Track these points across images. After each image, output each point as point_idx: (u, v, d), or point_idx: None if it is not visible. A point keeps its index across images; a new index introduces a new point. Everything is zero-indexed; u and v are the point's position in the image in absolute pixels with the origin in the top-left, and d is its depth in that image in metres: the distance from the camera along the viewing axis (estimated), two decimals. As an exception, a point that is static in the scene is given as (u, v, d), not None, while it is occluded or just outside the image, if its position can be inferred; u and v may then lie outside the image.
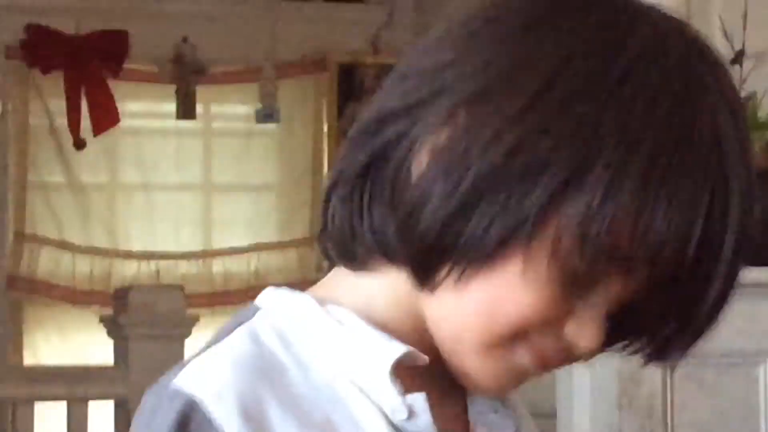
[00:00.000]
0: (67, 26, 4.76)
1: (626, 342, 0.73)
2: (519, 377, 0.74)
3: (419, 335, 0.73)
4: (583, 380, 2.88)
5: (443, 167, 0.68)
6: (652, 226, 0.67)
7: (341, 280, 0.75)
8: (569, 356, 0.72)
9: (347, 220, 0.73)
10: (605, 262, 0.68)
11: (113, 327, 4.02)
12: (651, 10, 0.72)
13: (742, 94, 3.21)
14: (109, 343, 4.12)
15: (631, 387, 2.73)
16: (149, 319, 3.87)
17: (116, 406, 3.66)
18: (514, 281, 0.70)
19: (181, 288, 4.18)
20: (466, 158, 0.68)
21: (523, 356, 0.72)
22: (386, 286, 0.74)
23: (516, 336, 0.71)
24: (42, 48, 4.76)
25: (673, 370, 2.61)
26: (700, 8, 3.14)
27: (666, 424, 2.72)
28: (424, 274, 0.71)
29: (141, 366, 3.58)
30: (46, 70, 4.73)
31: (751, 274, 2.17)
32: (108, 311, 4.24)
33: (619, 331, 0.73)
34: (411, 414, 0.72)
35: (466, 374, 0.74)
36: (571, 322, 0.71)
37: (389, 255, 0.72)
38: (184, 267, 4.97)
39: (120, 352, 4.00)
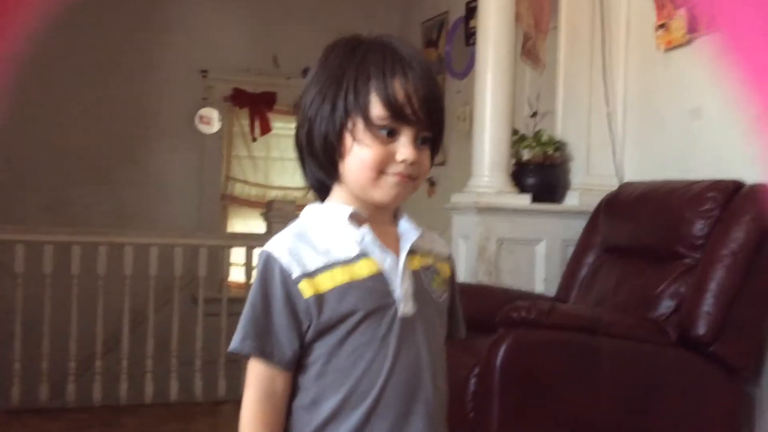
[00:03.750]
0: (249, 86, 6.20)
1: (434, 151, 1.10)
2: (399, 188, 1.07)
3: (362, 205, 1.10)
4: (462, 248, 3.35)
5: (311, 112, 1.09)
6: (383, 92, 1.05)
7: (332, 194, 1.14)
8: (407, 167, 1.06)
9: (309, 175, 1.14)
10: (386, 120, 1.03)
11: (266, 218, 5.23)
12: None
13: (535, 130, 3.84)
14: (263, 225, 5.33)
15: (483, 251, 3.27)
16: (280, 215, 4.97)
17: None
18: (357, 147, 1.04)
19: (294, 202, 5.27)
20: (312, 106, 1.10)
21: (391, 176, 1.06)
22: (338, 190, 1.13)
23: (381, 167, 1.05)
24: (239, 97, 6.18)
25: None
26: (519, 90, 4.07)
27: (497, 267, 3.31)
28: (333, 170, 1.07)
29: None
30: (240, 107, 6.24)
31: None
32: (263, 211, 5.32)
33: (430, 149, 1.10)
34: (363, 237, 1.07)
35: (374, 198, 1.06)
36: (398, 152, 1.05)
37: (327, 180, 1.11)
38: (295, 192, 5.98)
39: (268, 229, 5.08)
